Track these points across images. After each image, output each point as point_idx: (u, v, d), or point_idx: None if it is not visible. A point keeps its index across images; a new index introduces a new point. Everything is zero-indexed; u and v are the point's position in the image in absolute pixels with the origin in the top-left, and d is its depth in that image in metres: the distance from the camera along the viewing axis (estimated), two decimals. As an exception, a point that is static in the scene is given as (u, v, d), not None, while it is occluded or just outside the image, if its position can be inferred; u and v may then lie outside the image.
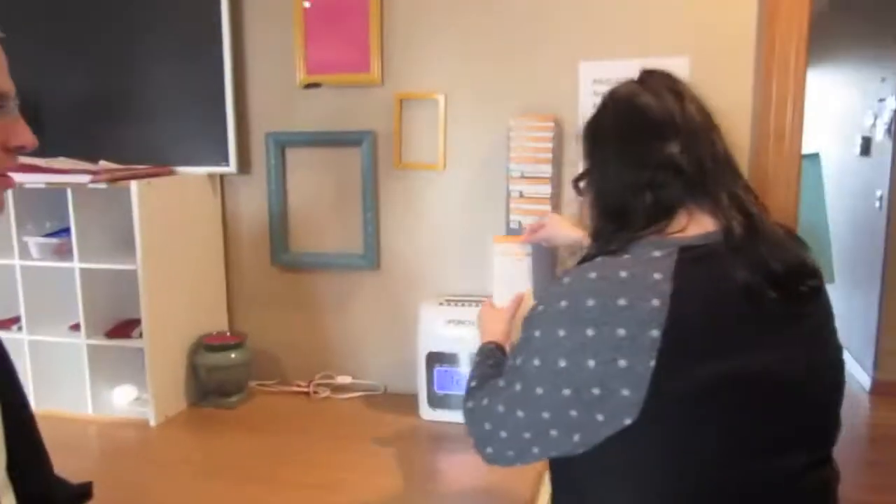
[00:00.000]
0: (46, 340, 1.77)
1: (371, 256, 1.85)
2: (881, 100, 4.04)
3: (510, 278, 1.55)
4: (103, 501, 1.34)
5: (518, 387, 0.94)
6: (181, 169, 1.86)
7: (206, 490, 1.41)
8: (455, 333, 1.69)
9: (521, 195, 1.69)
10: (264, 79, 1.88)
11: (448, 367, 1.70)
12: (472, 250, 1.80)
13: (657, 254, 0.91)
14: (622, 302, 0.86)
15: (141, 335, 1.73)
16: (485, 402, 1.02)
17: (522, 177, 1.68)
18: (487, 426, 1.00)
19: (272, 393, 1.92)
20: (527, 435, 0.94)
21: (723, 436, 0.88)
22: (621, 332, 0.85)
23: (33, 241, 1.75)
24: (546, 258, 1.56)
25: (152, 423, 1.71)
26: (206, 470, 1.50)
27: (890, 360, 3.96)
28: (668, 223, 0.96)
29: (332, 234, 1.90)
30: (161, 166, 1.85)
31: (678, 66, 1.60)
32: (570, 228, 1.51)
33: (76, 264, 1.69)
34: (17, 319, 1.82)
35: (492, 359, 1.21)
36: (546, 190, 1.68)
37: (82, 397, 1.77)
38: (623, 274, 0.89)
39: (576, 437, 0.90)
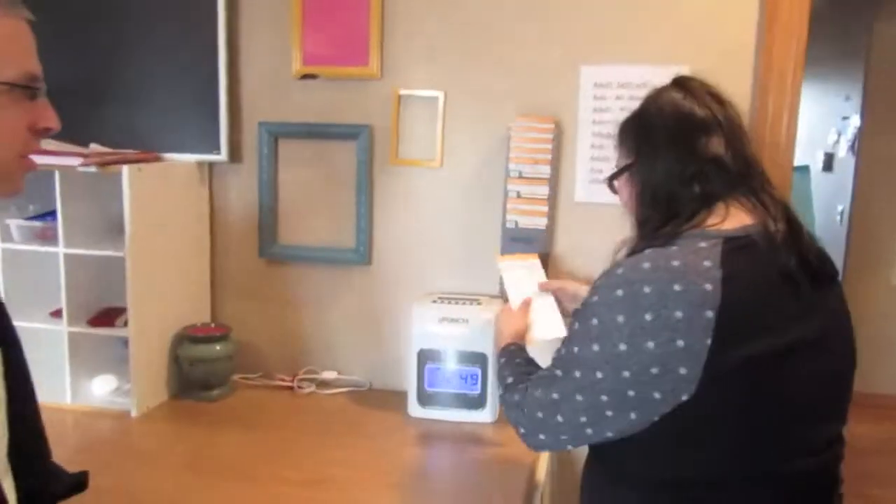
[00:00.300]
0: (25, 327, 1.70)
1: (363, 252, 1.84)
2: (845, 118, 4.17)
3: (521, 286, 1.56)
4: (85, 493, 1.32)
5: (577, 373, 1.00)
6: (170, 156, 1.82)
7: (191, 484, 1.38)
8: (448, 331, 1.68)
9: (519, 195, 1.70)
10: (259, 67, 1.85)
11: (439, 364, 1.70)
12: (467, 249, 1.80)
13: (703, 244, 0.98)
14: (677, 287, 0.93)
15: (125, 324, 1.68)
16: (537, 392, 1.07)
17: (521, 177, 1.69)
18: (540, 415, 1.06)
19: (255, 387, 1.89)
20: (583, 419, 1.00)
21: (775, 405, 0.95)
22: (678, 314, 0.92)
23: (15, 224, 1.69)
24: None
25: (133, 414, 1.67)
26: (191, 464, 1.46)
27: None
28: (708, 216, 1.03)
29: (322, 227, 1.88)
30: (148, 152, 1.80)
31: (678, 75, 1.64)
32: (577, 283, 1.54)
33: (61, 249, 1.64)
34: (-6, 304, 1.76)
35: (519, 357, 1.27)
36: (544, 191, 1.69)
37: (61, 386, 1.71)
38: (675, 263, 0.95)
39: (632, 416, 0.96)
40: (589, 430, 1.01)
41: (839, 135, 4.23)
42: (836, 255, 4.07)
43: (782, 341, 0.94)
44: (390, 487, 1.40)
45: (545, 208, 1.70)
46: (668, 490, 1.00)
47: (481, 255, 1.79)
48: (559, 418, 1.03)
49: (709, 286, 0.92)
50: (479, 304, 1.72)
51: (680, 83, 1.14)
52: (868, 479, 3.48)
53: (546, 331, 1.42)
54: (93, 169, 1.59)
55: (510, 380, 1.19)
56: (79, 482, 1.04)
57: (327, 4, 1.77)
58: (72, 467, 1.39)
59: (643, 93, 1.63)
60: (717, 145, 1.05)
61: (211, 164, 1.89)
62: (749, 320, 0.93)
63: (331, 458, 1.50)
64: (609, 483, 1.09)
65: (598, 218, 1.72)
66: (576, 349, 1.02)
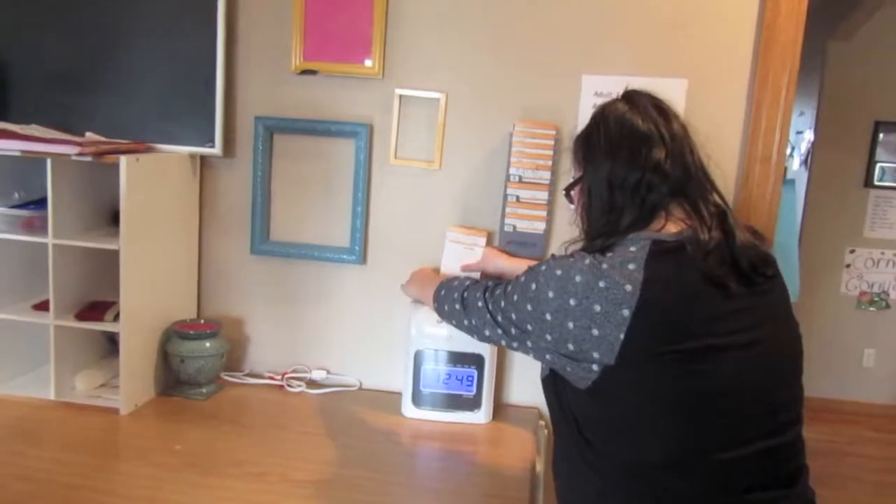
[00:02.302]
0: (8, 319, 1.65)
1: (357, 251, 1.83)
2: (798, 132, 4.33)
3: (455, 259, 1.77)
4: (81, 489, 1.29)
5: (513, 315, 1.19)
6: (163, 147, 1.78)
7: (187, 483, 1.36)
8: (445, 333, 1.69)
9: (518, 200, 1.71)
10: (258, 61, 1.82)
11: (435, 365, 1.71)
12: (470, 252, 1.81)
13: (633, 248, 1.09)
14: (602, 284, 1.05)
15: (115, 318, 1.64)
16: (490, 305, 1.27)
17: (521, 181, 1.71)
18: (489, 317, 1.27)
19: (243, 385, 1.86)
20: (514, 344, 1.22)
21: (701, 397, 1.04)
22: (597, 308, 1.04)
23: (2, 213, 1.63)
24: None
25: (122, 411, 1.62)
26: (186, 463, 1.43)
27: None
28: (649, 223, 1.13)
29: (316, 225, 1.87)
30: (140, 142, 1.76)
31: (677, 88, 1.69)
32: (501, 259, 1.71)
33: (50, 240, 1.59)
34: (-27, 295, 1.69)
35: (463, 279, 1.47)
36: (543, 196, 1.71)
37: (44, 381, 1.66)
38: (605, 266, 1.06)
39: (547, 356, 1.14)
40: (515, 344, 1.21)
41: (793, 148, 4.40)
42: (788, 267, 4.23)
43: (705, 341, 1.02)
44: (389, 487, 1.41)
45: (544, 213, 1.72)
46: (625, 473, 1.08)
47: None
48: (499, 331, 1.24)
49: (629, 287, 1.03)
50: (476, 305, 1.74)
51: (628, 96, 1.24)
52: (814, 480, 3.63)
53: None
54: (88, 158, 1.54)
55: (468, 283, 1.41)
56: None
57: (330, 0, 1.76)
58: (63, 467, 1.37)
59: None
60: (658, 154, 1.13)
61: (203, 157, 1.86)
62: (666, 321, 1.02)
63: (326, 458, 1.50)
64: (575, 468, 1.16)
65: (594, 224, 1.76)
66: (515, 297, 1.18)
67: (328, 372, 1.91)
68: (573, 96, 1.73)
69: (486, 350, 1.70)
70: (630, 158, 1.14)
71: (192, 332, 1.75)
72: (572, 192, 1.30)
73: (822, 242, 4.24)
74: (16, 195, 1.69)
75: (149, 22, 1.76)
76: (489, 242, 1.77)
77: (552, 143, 1.69)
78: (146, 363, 1.71)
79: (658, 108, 1.19)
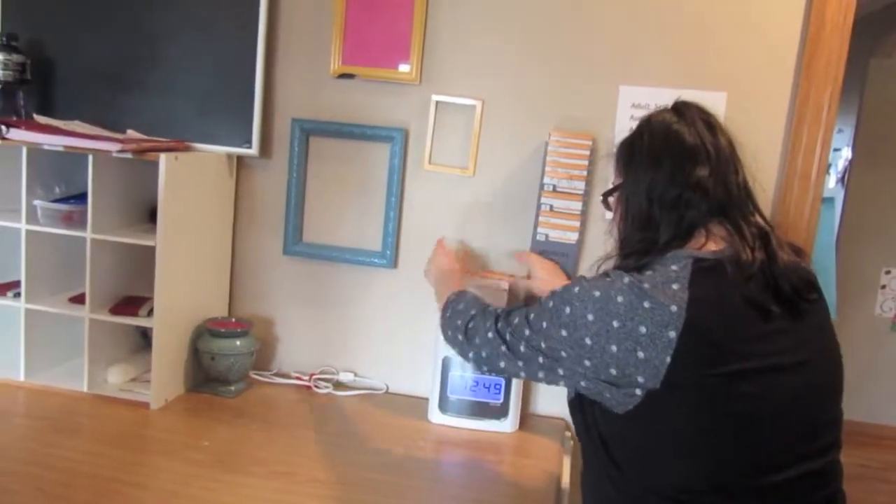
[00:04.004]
0: (45, 311, 1.68)
1: (388, 255, 1.84)
2: (836, 149, 4.26)
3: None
4: (112, 481, 1.31)
5: (543, 344, 1.11)
6: (201, 146, 1.80)
7: (214, 479, 1.36)
8: (474, 340, 1.69)
9: (552, 209, 1.71)
10: (296, 63, 1.83)
11: (462, 372, 1.71)
12: (495, 259, 1.81)
13: (674, 267, 1.05)
14: (646, 304, 1.00)
15: (149, 314, 1.66)
16: (508, 336, 1.18)
17: (555, 191, 1.70)
18: (504, 349, 1.18)
19: (271, 384, 1.88)
20: (540, 374, 1.14)
21: (737, 423, 1.00)
22: (643, 329, 1.00)
23: (42, 206, 1.66)
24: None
25: (153, 406, 1.64)
26: (213, 459, 1.44)
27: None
28: (687, 241, 1.10)
29: (349, 228, 1.88)
30: (179, 141, 1.78)
31: (715, 101, 1.67)
32: (546, 284, 1.63)
33: (88, 234, 1.61)
34: (12, 285, 1.72)
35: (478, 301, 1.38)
36: (577, 206, 1.70)
37: (77, 373, 1.68)
38: (646, 285, 1.02)
39: (582, 384, 1.08)
40: (541, 374, 1.14)
41: (829, 166, 4.32)
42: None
43: (749, 363, 0.99)
44: (414, 492, 1.41)
45: (577, 223, 1.71)
46: (660, 498, 1.04)
47: (509, 266, 1.80)
48: (519, 362, 1.16)
49: (674, 307, 0.99)
50: (506, 314, 1.73)
51: (677, 108, 1.19)
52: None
53: None
54: (129, 155, 1.57)
55: (474, 311, 1.30)
56: None
57: (371, 5, 1.77)
58: (95, 458, 1.39)
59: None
60: (701, 171, 1.09)
61: (239, 157, 1.88)
62: (711, 343, 0.99)
63: (352, 460, 1.50)
64: (605, 493, 1.13)
65: (627, 236, 1.74)
66: (544, 324, 1.11)
67: (355, 374, 1.91)
68: (610, 107, 1.72)
69: (514, 359, 1.69)
70: (672, 172, 1.11)
71: (223, 329, 1.77)
72: (610, 200, 1.26)
73: (857, 262, 4.16)
74: (56, 189, 1.72)
75: (191, 22, 1.78)
76: (512, 287, 1.76)
77: (588, 153, 1.69)
78: (177, 359, 1.73)
79: (707, 123, 1.15)
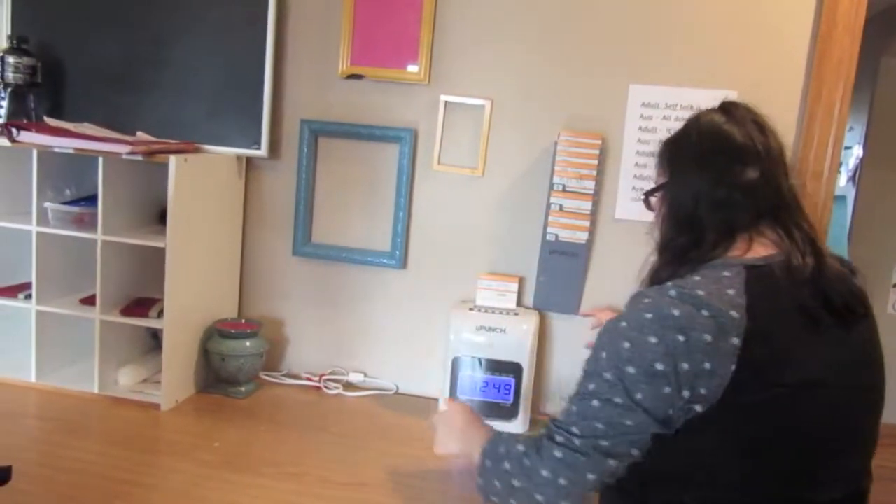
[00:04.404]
0: (55, 312, 1.68)
1: (398, 256, 1.83)
2: (847, 147, 4.23)
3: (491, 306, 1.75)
4: (123, 482, 1.31)
5: (618, 399, 0.97)
6: (210, 147, 1.81)
7: (225, 480, 1.36)
8: (484, 340, 1.69)
9: (562, 209, 1.70)
10: (305, 65, 1.83)
11: (473, 373, 1.70)
12: (504, 258, 1.81)
13: (726, 273, 1.00)
14: (705, 313, 0.94)
15: (159, 315, 1.66)
16: (574, 429, 1.00)
17: (564, 190, 1.69)
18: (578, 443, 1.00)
19: (281, 385, 1.88)
20: (631, 438, 0.98)
21: (787, 437, 0.95)
22: (707, 337, 0.93)
23: (53, 208, 1.66)
24: None
25: (163, 407, 1.65)
26: (224, 460, 1.44)
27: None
28: (731, 246, 1.05)
29: (358, 229, 1.87)
30: (188, 142, 1.79)
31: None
32: None
33: (99, 236, 1.62)
34: (23, 287, 1.73)
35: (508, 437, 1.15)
36: (587, 206, 1.69)
37: (88, 374, 1.69)
38: (700, 292, 0.96)
39: (654, 429, 0.97)
40: (635, 452, 0.99)
41: (840, 164, 4.29)
42: (833, 283, 4.13)
43: (802, 375, 0.95)
44: (425, 493, 1.40)
45: (587, 223, 1.70)
46: None
47: (519, 266, 1.79)
48: (608, 459, 0.98)
49: (735, 313, 0.94)
50: (516, 314, 1.73)
51: (725, 107, 1.14)
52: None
53: None
54: (139, 157, 1.57)
55: (521, 447, 1.07)
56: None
57: (379, 6, 1.77)
58: (106, 459, 1.39)
59: (689, 114, 1.67)
60: (750, 173, 1.04)
61: (249, 159, 1.88)
62: (771, 351, 0.94)
63: (363, 461, 1.50)
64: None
65: (638, 236, 1.73)
66: (608, 375, 0.97)
67: (365, 375, 1.91)
68: (620, 106, 1.71)
69: (524, 359, 1.69)
70: (721, 173, 1.05)
71: (233, 331, 1.77)
72: (652, 199, 1.21)
73: (869, 261, 4.13)
74: (67, 192, 1.72)
75: (200, 25, 1.79)
76: (520, 288, 1.77)
77: (597, 152, 1.68)
78: (187, 360, 1.73)
79: (756, 123, 1.10)
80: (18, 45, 1.77)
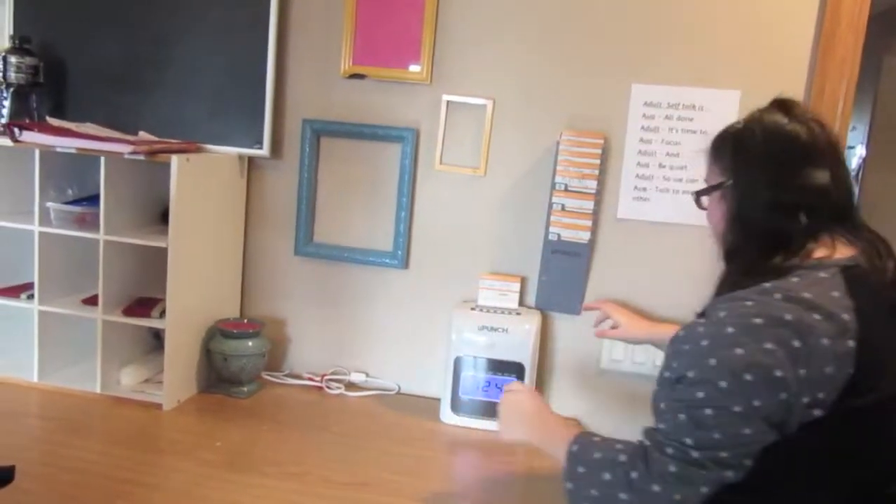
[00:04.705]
0: (58, 312, 1.68)
1: (400, 255, 1.83)
2: (850, 147, 4.22)
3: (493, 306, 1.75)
4: (125, 482, 1.31)
5: (737, 408, 0.90)
6: (212, 147, 1.81)
7: (227, 480, 1.36)
8: (486, 340, 1.68)
9: (563, 208, 1.70)
10: (307, 64, 1.83)
11: (475, 372, 1.70)
12: (506, 258, 1.80)
13: (823, 274, 0.96)
14: (817, 316, 0.91)
15: (161, 315, 1.66)
16: (688, 440, 0.94)
17: (566, 190, 1.69)
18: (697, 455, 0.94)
19: (283, 385, 1.88)
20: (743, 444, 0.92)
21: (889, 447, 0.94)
22: (825, 342, 0.90)
23: (55, 208, 1.66)
24: None
25: (165, 407, 1.65)
26: (226, 460, 1.44)
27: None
28: (815, 248, 1.01)
29: (360, 229, 1.87)
30: (190, 142, 1.79)
31: (729, 99, 1.66)
32: (640, 328, 1.54)
33: (101, 236, 1.62)
34: (25, 287, 1.73)
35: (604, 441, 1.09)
36: (589, 206, 1.69)
37: (90, 374, 1.69)
38: (806, 294, 0.93)
39: (771, 437, 0.91)
40: (748, 461, 0.92)
41: (843, 164, 4.29)
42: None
43: None
44: (427, 493, 1.39)
45: (589, 223, 1.70)
46: None
47: (521, 265, 1.79)
48: (725, 472, 0.92)
49: (846, 315, 0.91)
50: (518, 314, 1.73)
51: (782, 105, 1.09)
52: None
53: None
54: (141, 157, 1.57)
55: (624, 458, 1.01)
56: (2, 478, 1.06)
57: (381, 5, 1.77)
58: (108, 459, 1.39)
59: (692, 114, 1.68)
60: (822, 175, 1.01)
61: (251, 158, 1.88)
62: (879, 356, 0.91)
63: (365, 461, 1.50)
64: None
65: (640, 235, 1.74)
66: (722, 383, 0.91)
67: (367, 375, 1.91)
68: (622, 105, 1.71)
69: (526, 359, 1.69)
70: (792, 175, 1.01)
71: (235, 330, 1.77)
72: (704, 199, 1.15)
73: (871, 261, 4.13)
74: (69, 191, 1.72)
75: (202, 25, 1.79)
76: (522, 288, 1.77)
77: (600, 152, 1.68)
78: (190, 360, 1.73)
79: (818, 122, 1.06)
80: (21, 44, 1.77)
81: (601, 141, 1.68)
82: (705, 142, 1.16)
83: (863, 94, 4.12)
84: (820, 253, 1.00)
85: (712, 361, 0.93)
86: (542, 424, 1.22)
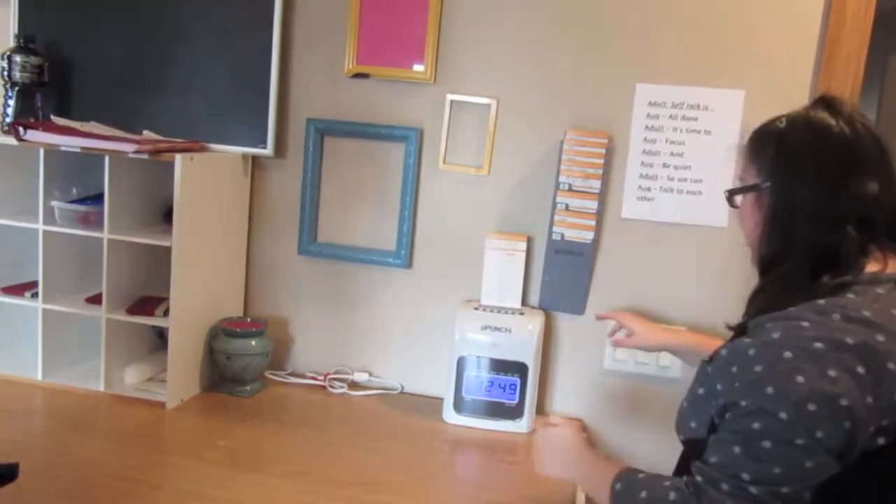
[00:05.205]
0: (62, 311, 1.69)
1: (403, 255, 1.83)
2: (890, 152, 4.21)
3: (500, 274, 1.74)
4: (128, 480, 1.31)
5: (799, 441, 0.84)
6: (216, 146, 1.81)
7: (230, 479, 1.36)
8: (490, 339, 1.68)
9: (567, 208, 1.70)
10: (311, 64, 1.83)
11: (478, 372, 1.70)
12: (511, 258, 1.80)
13: (880, 290, 0.91)
14: (881, 338, 0.86)
15: (165, 314, 1.67)
16: (744, 475, 0.87)
17: (570, 190, 1.69)
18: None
19: (286, 384, 1.88)
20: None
21: None
22: (891, 366, 0.85)
23: (59, 207, 1.67)
24: None
25: (168, 405, 1.65)
26: (229, 459, 1.44)
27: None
28: (865, 263, 0.94)
29: (364, 228, 1.87)
30: (194, 141, 1.79)
31: (733, 98, 1.66)
32: (655, 335, 1.50)
33: (105, 235, 1.62)
34: (30, 285, 1.73)
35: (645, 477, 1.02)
36: (593, 205, 1.69)
37: (94, 373, 1.69)
38: (866, 313, 0.87)
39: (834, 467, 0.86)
40: (807, 495, 0.87)
41: (848, 164, 4.28)
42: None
43: None
44: (430, 493, 1.40)
45: (593, 223, 1.70)
46: None
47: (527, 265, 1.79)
48: (785, 489, 0.86)
49: None
50: (521, 314, 1.72)
51: (829, 104, 1.01)
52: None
53: None
54: (145, 156, 1.57)
55: (672, 493, 0.94)
56: (5, 474, 1.06)
57: (385, 5, 1.77)
58: (111, 457, 1.39)
59: (696, 114, 1.68)
60: (872, 184, 0.93)
61: (254, 158, 1.88)
62: None
63: (368, 460, 1.50)
64: None
65: (643, 235, 1.73)
66: (782, 414, 0.84)
67: (370, 374, 1.91)
68: (626, 105, 1.70)
69: (529, 358, 1.69)
70: (840, 183, 0.93)
71: (238, 329, 1.77)
72: (737, 198, 1.07)
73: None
74: (74, 191, 1.73)
75: (206, 24, 1.79)
76: (529, 248, 1.76)
77: (604, 151, 1.67)
78: (193, 359, 1.74)
79: (866, 124, 0.98)
80: (25, 44, 1.77)
81: (605, 141, 1.68)
82: (743, 138, 1.08)
83: (868, 93, 4.11)
84: (872, 267, 0.94)
85: (769, 390, 0.86)
86: (583, 461, 1.15)
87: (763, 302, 0.98)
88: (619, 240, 1.75)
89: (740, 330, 0.99)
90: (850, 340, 0.85)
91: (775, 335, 0.89)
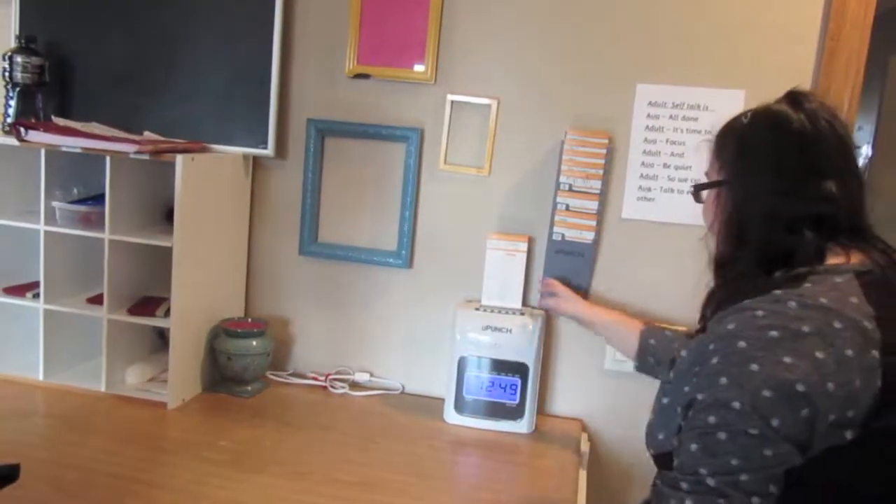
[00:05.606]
0: (63, 311, 1.69)
1: (404, 255, 1.83)
2: (856, 147, 4.21)
3: (500, 274, 1.75)
4: (129, 480, 1.31)
5: (754, 430, 0.83)
6: (217, 147, 1.81)
7: (232, 479, 1.36)
8: (490, 340, 1.68)
9: (568, 208, 1.70)
10: (312, 64, 1.84)
11: (479, 372, 1.70)
12: (511, 258, 1.80)
13: (838, 279, 0.89)
14: (838, 325, 0.84)
15: (166, 314, 1.67)
16: (701, 469, 0.86)
17: (571, 190, 1.69)
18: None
19: (287, 384, 1.88)
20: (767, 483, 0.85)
21: None
22: (849, 352, 0.83)
23: (61, 208, 1.67)
24: None
25: (170, 405, 1.65)
26: (231, 459, 1.45)
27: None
28: (824, 258, 0.93)
29: (364, 228, 1.87)
30: (195, 142, 1.79)
31: (734, 98, 1.66)
32: (577, 306, 1.64)
33: (106, 235, 1.62)
34: (31, 286, 1.74)
35: None
36: (593, 206, 1.69)
37: (95, 373, 1.69)
38: (823, 300, 0.86)
39: (797, 461, 0.84)
40: (773, 488, 0.84)
41: (849, 164, 4.27)
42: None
43: None
44: (431, 493, 1.40)
45: (594, 223, 1.70)
46: None
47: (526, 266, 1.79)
48: (744, 476, 0.83)
49: (867, 324, 0.84)
50: (522, 314, 1.72)
51: (795, 100, 0.99)
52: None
53: None
54: (146, 156, 1.57)
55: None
56: (6, 475, 1.06)
57: (386, 5, 1.77)
58: (112, 457, 1.39)
59: (697, 114, 1.68)
60: (829, 182, 0.93)
61: (255, 158, 1.88)
62: None
63: (369, 461, 1.50)
64: None
65: (644, 236, 1.73)
66: (736, 404, 0.83)
67: (371, 374, 1.91)
68: (627, 105, 1.70)
69: (530, 359, 1.69)
70: (798, 182, 0.93)
71: (239, 330, 1.77)
72: (704, 193, 1.08)
73: (877, 261, 4.11)
74: (75, 191, 1.73)
75: (207, 24, 1.79)
76: (529, 248, 1.76)
77: (604, 152, 1.67)
78: (194, 359, 1.74)
79: (829, 117, 0.97)
80: (26, 44, 1.77)
81: (606, 141, 1.68)
82: (711, 132, 1.09)
83: (869, 94, 4.10)
84: (833, 261, 0.93)
85: (723, 381, 0.85)
86: None
87: (720, 299, 0.98)
88: (619, 240, 1.75)
89: (701, 329, 0.99)
90: (806, 328, 0.84)
91: (730, 326, 0.88)
